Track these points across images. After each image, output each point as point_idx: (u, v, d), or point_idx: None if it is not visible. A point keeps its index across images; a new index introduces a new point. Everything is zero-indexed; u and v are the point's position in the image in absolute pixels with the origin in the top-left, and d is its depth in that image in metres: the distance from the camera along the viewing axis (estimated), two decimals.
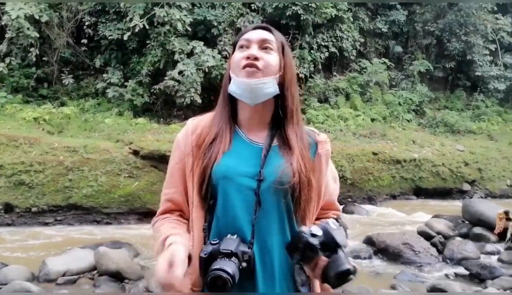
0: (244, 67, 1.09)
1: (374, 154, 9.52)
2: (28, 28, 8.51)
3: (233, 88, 1.11)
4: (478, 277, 5.11)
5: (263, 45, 1.11)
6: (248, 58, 1.08)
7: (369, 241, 6.24)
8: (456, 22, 13.23)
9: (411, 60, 13.45)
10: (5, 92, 9.04)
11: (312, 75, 11.31)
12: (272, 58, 1.11)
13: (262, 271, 1.01)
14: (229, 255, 0.93)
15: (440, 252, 5.98)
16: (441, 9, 13.56)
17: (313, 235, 1.00)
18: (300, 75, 10.68)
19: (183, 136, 1.16)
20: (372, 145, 9.82)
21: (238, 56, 1.12)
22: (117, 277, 4.67)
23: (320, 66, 11.56)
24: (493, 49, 13.78)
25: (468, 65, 13.62)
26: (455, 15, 13.15)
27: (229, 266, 0.91)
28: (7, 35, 8.69)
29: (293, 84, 1.14)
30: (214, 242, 0.98)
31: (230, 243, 0.96)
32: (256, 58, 1.08)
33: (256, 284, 1.00)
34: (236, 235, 1.00)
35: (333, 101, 11.49)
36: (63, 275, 4.66)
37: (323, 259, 1.02)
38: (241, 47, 1.13)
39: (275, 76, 1.10)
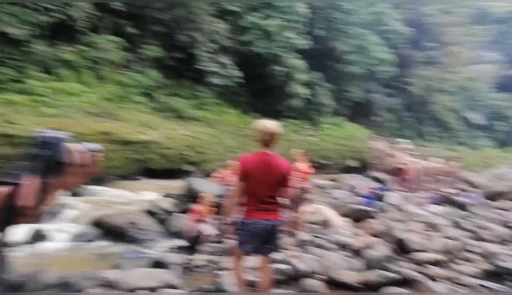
0: None
1: (104, 133, 9.15)
2: None
3: None
4: (193, 247, 5.67)
5: None
6: None
7: (96, 224, 5.98)
8: (184, 18, 14.27)
9: (146, 44, 13.67)
10: None
11: (32, 40, 9.74)
12: None
13: None
14: None
15: (163, 227, 6.33)
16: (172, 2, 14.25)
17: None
18: (14, 36, 8.96)
19: None
20: (102, 125, 9.41)
21: None
22: None
23: (43, 32, 10.09)
24: (214, 49, 15.69)
25: (193, 58, 15.03)
26: (183, 10, 14.14)
27: None
28: None
29: None
30: None
31: None
32: None
33: None
34: None
35: (60, 74, 10.31)
36: None
37: None
38: None
39: None
